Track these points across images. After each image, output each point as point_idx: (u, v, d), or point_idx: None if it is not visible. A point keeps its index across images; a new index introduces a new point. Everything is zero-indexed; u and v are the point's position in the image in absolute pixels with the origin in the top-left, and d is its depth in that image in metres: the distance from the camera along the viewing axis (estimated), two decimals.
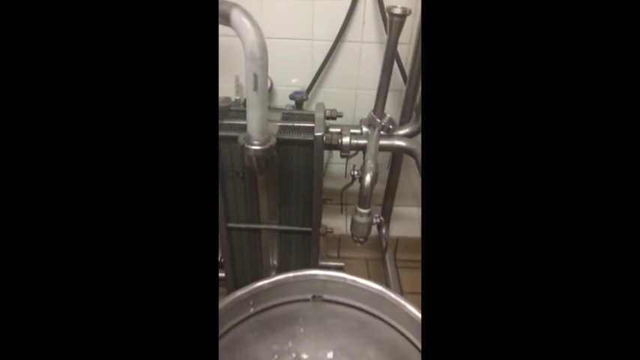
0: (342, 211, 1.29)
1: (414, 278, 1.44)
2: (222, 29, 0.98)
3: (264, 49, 0.59)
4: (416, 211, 1.47)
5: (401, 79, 1.08)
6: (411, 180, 1.37)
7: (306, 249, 0.99)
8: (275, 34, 1.06)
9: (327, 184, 1.29)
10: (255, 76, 0.58)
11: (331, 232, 1.05)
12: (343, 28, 1.03)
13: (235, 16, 0.57)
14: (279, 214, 0.94)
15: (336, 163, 1.29)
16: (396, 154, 1.11)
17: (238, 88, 1.16)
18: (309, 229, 0.94)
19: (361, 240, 0.78)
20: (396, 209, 1.43)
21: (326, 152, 1.26)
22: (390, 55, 0.79)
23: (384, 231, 1.24)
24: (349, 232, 1.28)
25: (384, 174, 1.27)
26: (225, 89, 1.09)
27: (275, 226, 0.96)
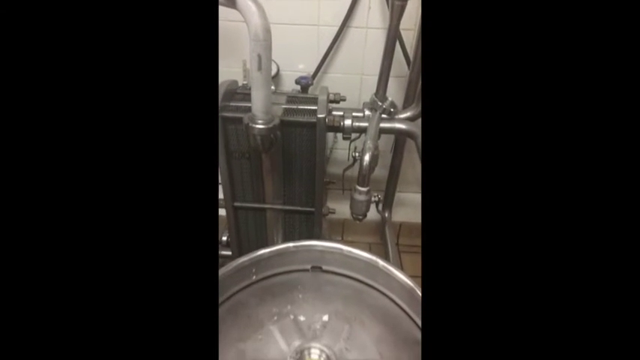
0: (344, 194, 1.32)
1: (416, 262, 1.47)
2: (230, 15, 1.01)
3: (267, 31, 0.62)
4: (419, 198, 1.49)
5: (405, 65, 1.10)
6: (415, 166, 1.39)
7: (310, 228, 1.03)
8: (281, 20, 1.09)
9: (332, 169, 1.32)
10: (259, 57, 0.62)
11: (333, 212, 1.09)
12: (349, 13, 1.05)
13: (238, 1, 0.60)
14: (284, 194, 0.98)
15: (341, 149, 1.32)
16: (399, 139, 1.14)
17: (246, 72, 1.20)
18: (312, 209, 0.98)
19: (360, 217, 0.81)
20: (400, 195, 1.46)
21: (331, 137, 1.29)
22: (392, 39, 0.81)
23: (386, 215, 1.27)
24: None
25: (387, 159, 1.30)
26: (233, 73, 1.12)
27: (279, 206, 1.00)
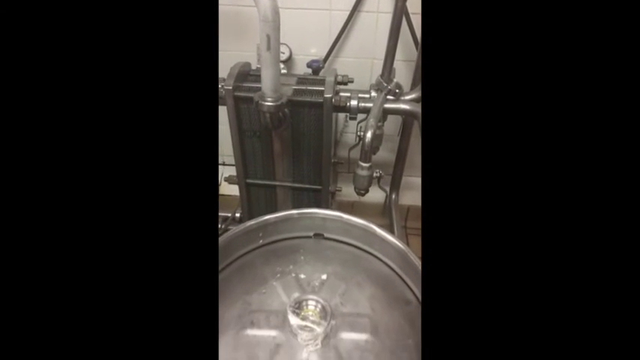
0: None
1: None
2: (243, 0, 1.06)
3: (276, 12, 0.67)
4: None
5: (414, 50, 1.13)
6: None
7: (317, 206, 1.08)
8: (294, 4, 1.14)
9: (342, 152, 1.37)
10: (268, 37, 0.67)
11: (339, 190, 1.14)
12: None
13: None
14: (293, 172, 1.04)
15: (352, 132, 1.36)
16: (407, 122, 1.17)
17: (259, 56, 1.25)
18: (320, 187, 1.04)
19: (362, 192, 0.86)
20: (408, 179, 1.50)
21: (342, 121, 1.34)
22: (397, 20, 0.85)
23: (393, 197, 1.32)
24: (363, 199, 1.35)
25: (395, 143, 1.33)
26: (247, 57, 1.18)
27: (289, 184, 1.06)
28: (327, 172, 1.01)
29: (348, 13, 1.13)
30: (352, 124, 1.24)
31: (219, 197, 1.55)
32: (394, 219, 1.20)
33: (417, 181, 1.51)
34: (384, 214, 1.46)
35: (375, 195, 1.35)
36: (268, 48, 0.68)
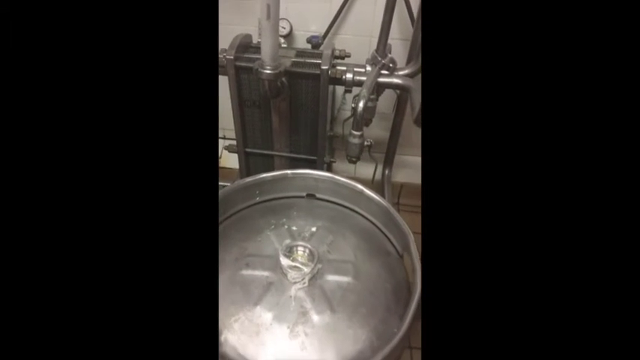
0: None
1: (415, 220, 1.58)
2: None
3: None
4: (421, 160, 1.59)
5: (410, 28, 1.18)
6: (418, 129, 1.47)
7: None
8: None
9: (339, 128, 1.42)
10: (268, 6, 0.72)
11: (334, 162, 1.20)
12: None
13: None
14: (290, 142, 1.10)
15: (348, 110, 1.42)
16: (401, 98, 1.22)
17: (260, 30, 1.30)
18: (315, 157, 1.10)
19: (354, 159, 0.93)
20: (402, 157, 1.56)
21: (339, 98, 1.39)
22: None
23: (386, 172, 1.38)
24: (357, 174, 1.42)
25: (389, 122, 1.39)
26: (248, 31, 1.22)
27: (286, 154, 1.12)
28: (323, 143, 1.07)
29: None
30: (349, 102, 1.29)
31: (219, 169, 1.61)
32: (387, 195, 1.26)
33: (410, 159, 1.57)
34: (372, 183, 1.52)
35: (369, 172, 1.42)
36: (268, 17, 0.74)
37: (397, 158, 1.51)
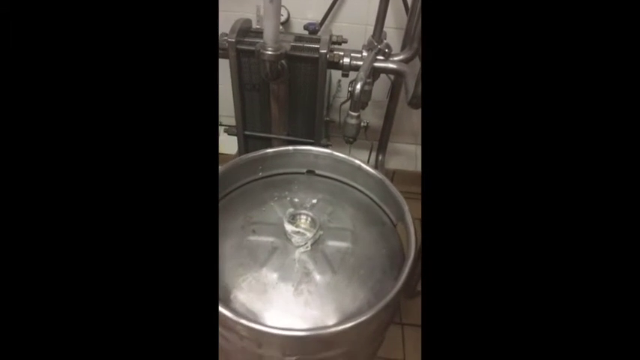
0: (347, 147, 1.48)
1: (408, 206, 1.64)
2: None
3: None
4: (414, 149, 1.64)
5: (404, 17, 1.22)
6: (411, 117, 1.53)
7: None
8: None
9: (334, 115, 1.47)
10: None
11: (330, 145, 1.25)
12: None
13: None
14: (288, 125, 1.14)
15: (342, 97, 1.46)
16: (396, 85, 1.28)
17: (259, 17, 1.33)
18: (312, 140, 1.14)
19: (351, 140, 0.97)
20: (395, 145, 1.62)
21: (335, 85, 1.43)
22: None
23: (380, 158, 1.43)
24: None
25: (383, 110, 1.44)
26: (246, 17, 1.26)
27: (284, 137, 1.16)
28: (320, 126, 1.11)
29: None
30: (344, 89, 1.33)
31: (220, 156, 1.64)
32: None
33: (402, 147, 1.63)
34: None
35: (364, 157, 1.47)
36: (271, 0, 0.78)
37: (390, 146, 1.56)
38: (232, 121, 1.28)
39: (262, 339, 0.53)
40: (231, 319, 0.51)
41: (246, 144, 1.20)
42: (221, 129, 1.69)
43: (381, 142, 1.44)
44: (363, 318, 0.52)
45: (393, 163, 1.62)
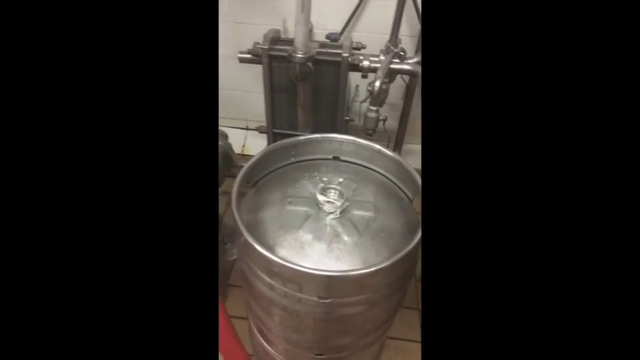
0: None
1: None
2: None
3: None
4: None
5: (418, 26, 1.36)
6: None
7: None
8: None
9: (353, 115, 1.60)
10: (303, 1, 0.91)
11: None
12: None
13: None
14: (312, 124, 1.28)
15: (359, 101, 1.60)
16: (410, 86, 1.41)
17: (284, 29, 1.50)
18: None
19: (370, 132, 1.10)
20: (409, 146, 1.74)
21: (353, 90, 1.58)
22: None
23: None
24: None
25: (399, 112, 1.56)
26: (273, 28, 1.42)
27: (308, 134, 1.30)
28: (341, 123, 1.25)
29: None
30: (361, 93, 1.47)
31: (246, 157, 1.78)
32: None
33: (416, 147, 1.75)
34: None
35: None
36: (302, 10, 0.92)
37: (404, 147, 1.68)
38: (258, 124, 1.43)
39: (302, 280, 0.65)
40: (277, 264, 0.64)
41: (275, 141, 1.34)
42: (244, 134, 1.84)
43: (396, 142, 1.56)
44: (384, 264, 0.64)
45: (409, 163, 1.73)
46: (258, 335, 0.92)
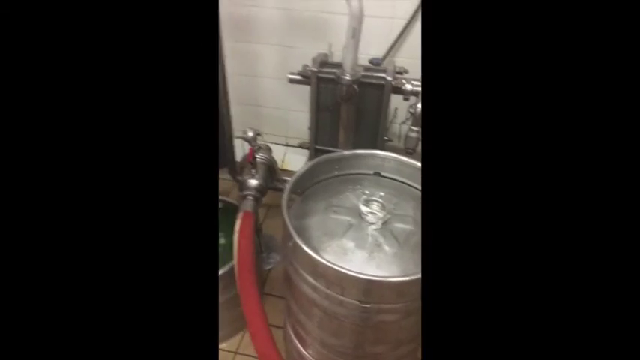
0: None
1: None
2: (323, 8, 1.41)
3: (362, 11, 1.00)
4: None
5: None
6: None
7: None
8: (366, 13, 1.47)
9: (392, 137, 1.66)
10: (354, 29, 0.99)
11: None
12: (418, 9, 1.41)
13: None
14: (354, 141, 1.35)
15: (397, 123, 1.66)
16: None
17: (330, 53, 1.60)
18: None
19: (411, 151, 1.15)
20: None
21: (391, 113, 1.64)
22: None
23: None
24: None
25: None
26: (319, 52, 1.52)
27: (349, 152, 1.36)
28: (381, 142, 1.31)
29: (406, 21, 1.45)
30: (399, 116, 1.53)
31: (285, 172, 1.88)
32: None
33: None
34: None
35: None
36: (353, 36, 1.01)
37: None
38: (297, 141, 1.51)
39: (345, 283, 0.70)
40: (322, 265, 0.69)
41: (316, 157, 1.42)
42: (284, 150, 1.94)
43: None
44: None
45: None
46: (294, 338, 0.97)
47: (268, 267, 1.48)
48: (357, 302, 0.72)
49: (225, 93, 1.25)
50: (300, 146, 1.44)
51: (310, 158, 1.42)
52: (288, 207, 0.84)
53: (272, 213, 1.62)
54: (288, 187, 0.86)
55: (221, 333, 1.27)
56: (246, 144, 1.21)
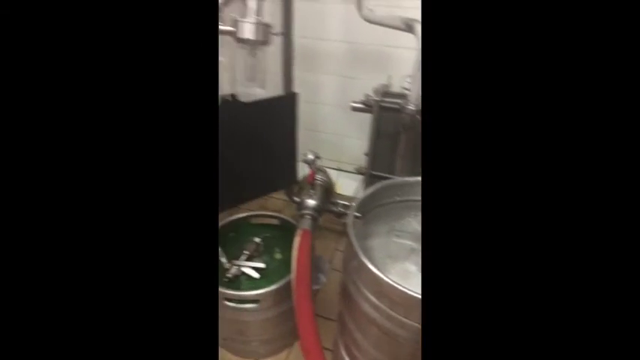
0: None
1: None
2: (386, 42, 1.48)
3: None
4: None
5: None
6: None
7: None
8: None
9: None
10: (419, 62, 1.05)
11: None
12: None
13: (416, 28, 1.05)
14: (412, 169, 1.38)
15: None
16: None
17: (390, 84, 1.66)
18: None
19: None
20: None
21: None
22: None
23: None
24: None
25: None
26: (380, 82, 1.59)
27: (403, 178, 1.39)
28: None
29: None
30: None
31: (338, 195, 1.93)
32: None
33: None
34: None
35: None
36: (419, 69, 1.06)
37: None
38: (351, 166, 1.56)
39: (409, 304, 0.71)
40: (388, 285, 0.72)
41: (371, 183, 1.46)
42: (336, 174, 2.00)
43: None
44: None
45: None
46: (347, 358, 0.98)
47: (316, 287, 1.51)
48: (419, 325, 0.73)
49: (297, 119, 1.34)
50: (357, 171, 1.50)
51: (365, 183, 1.47)
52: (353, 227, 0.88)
53: (318, 234, 1.66)
54: (352, 209, 0.90)
55: (267, 347, 1.30)
56: (305, 166, 1.28)
